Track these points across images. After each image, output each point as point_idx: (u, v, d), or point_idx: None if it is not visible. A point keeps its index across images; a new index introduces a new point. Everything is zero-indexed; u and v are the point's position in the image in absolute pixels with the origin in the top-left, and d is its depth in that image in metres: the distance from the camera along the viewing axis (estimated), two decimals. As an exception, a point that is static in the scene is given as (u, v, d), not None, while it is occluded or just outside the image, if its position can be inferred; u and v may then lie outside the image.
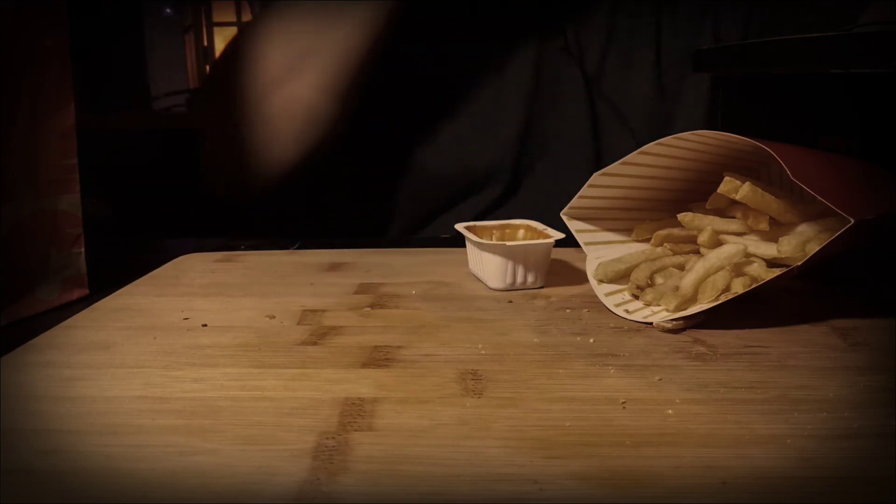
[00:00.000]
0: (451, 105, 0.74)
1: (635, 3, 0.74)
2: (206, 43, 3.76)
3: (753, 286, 0.40)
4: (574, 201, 0.47)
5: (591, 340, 0.39)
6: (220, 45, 3.75)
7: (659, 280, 0.46)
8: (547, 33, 0.73)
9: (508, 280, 0.49)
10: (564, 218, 0.49)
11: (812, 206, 0.44)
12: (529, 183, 0.76)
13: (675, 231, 0.48)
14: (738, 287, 0.41)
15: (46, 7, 0.45)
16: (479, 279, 0.51)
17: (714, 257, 0.42)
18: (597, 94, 0.74)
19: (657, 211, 0.51)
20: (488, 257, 0.49)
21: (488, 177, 0.75)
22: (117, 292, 0.49)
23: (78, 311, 0.45)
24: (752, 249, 0.43)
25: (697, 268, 0.42)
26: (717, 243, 0.45)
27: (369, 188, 0.77)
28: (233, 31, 3.73)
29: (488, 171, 0.75)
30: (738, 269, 0.43)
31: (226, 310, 0.45)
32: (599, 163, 0.75)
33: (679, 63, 0.74)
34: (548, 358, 0.37)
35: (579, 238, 0.49)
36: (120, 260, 0.60)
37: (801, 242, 0.41)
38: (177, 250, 0.59)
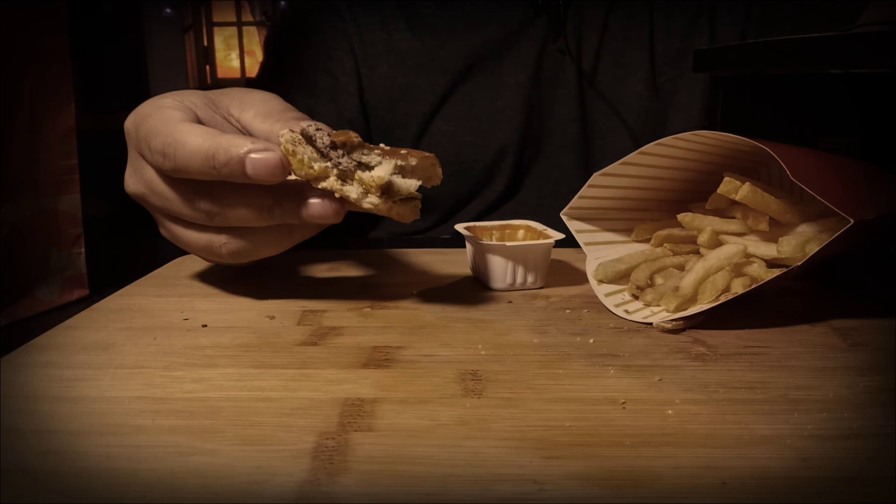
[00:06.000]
0: (449, 107, 0.74)
1: (630, 2, 0.74)
2: (206, 43, 3.76)
3: (753, 286, 0.40)
4: (574, 201, 0.48)
5: (591, 341, 0.39)
6: (220, 45, 3.76)
7: (659, 280, 0.46)
8: (547, 35, 0.73)
9: (508, 280, 0.49)
10: (564, 218, 0.49)
11: (812, 207, 0.44)
12: (527, 184, 0.76)
13: (675, 231, 0.48)
14: (738, 287, 0.41)
15: (46, 7, 0.45)
16: (479, 279, 0.51)
17: (714, 258, 0.42)
18: (592, 94, 0.74)
19: (657, 211, 0.51)
20: (488, 257, 0.49)
21: (487, 179, 0.75)
22: (117, 292, 0.49)
23: (78, 312, 0.45)
24: (751, 250, 0.43)
25: (697, 268, 0.43)
26: (716, 244, 0.45)
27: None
28: (233, 30, 3.74)
29: (487, 173, 0.75)
30: (737, 270, 0.43)
31: (226, 310, 0.45)
32: (594, 163, 0.75)
33: (673, 62, 0.74)
34: (548, 358, 0.37)
35: (579, 238, 0.49)
36: (120, 260, 0.60)
37: (800, 243, 0.41)
38: (177, 250, 0.59)
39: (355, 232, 0.77)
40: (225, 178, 0.38)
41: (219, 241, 0.42)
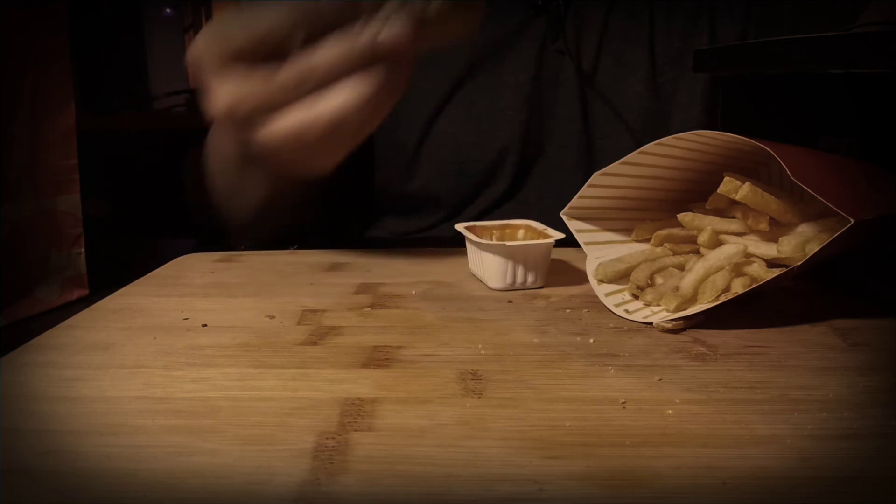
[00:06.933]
0: (450, 108, 0.74)
1: (629, 2, 0.74)
2: (206, 43, 3.77)
3: (753, 286, 0.40)
4: (574, 201, 0.48)
5: (591, 340, 0.39)
6: (220, 45, 3.77)
7: (659, 280, 0.46)
8: (547, 35, 0.73)
9: (508, 280, 0.49)
10: (564, 218, 0.49)
11: (812, 206, 0.44)
12: (528, 183, 0.76)
13: (675, 231, 0.48)
14: (738, 287, 0.41)
15: (46, 7, 0.45)
16: (479, 279, 0.51)
17: (714, 257, 0.42)
18: (593, 94, 0.74)
19: (657, 211, 0.51)
20: (488, 257, 0.49)
21: (488, 179, 0.75)
22: (117, 292, 0.49)
23: (78, 311, 0.45)
24: (752, 249, 0.43)
25: (697, 268, 0.43)
26: (717, 243, 0.45)
27: (370, 190, 0.77)
28: (233, 31, 3.74)
29: (488, 173, 0.75)
30: (737, 270, 0.43)
31: (226, 310, 0.45)
32: (595, 162, 0.75)
33: (673, 62, 0.74)
34: (548, 358, 0.37)
35: (579, 238, 0.49)
36: (120, 260, 0.60)
37: (800, 242, 0.41)
38: (177, 250, 0.59)
39: (355, 232, 0.77)
40: None
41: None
